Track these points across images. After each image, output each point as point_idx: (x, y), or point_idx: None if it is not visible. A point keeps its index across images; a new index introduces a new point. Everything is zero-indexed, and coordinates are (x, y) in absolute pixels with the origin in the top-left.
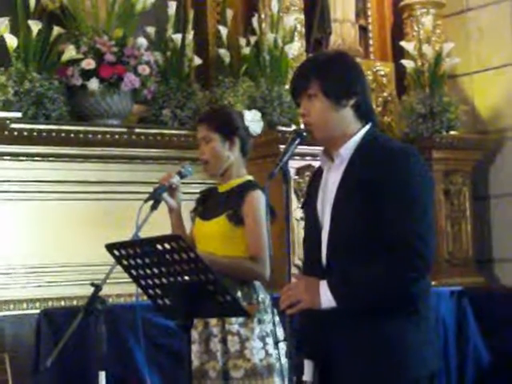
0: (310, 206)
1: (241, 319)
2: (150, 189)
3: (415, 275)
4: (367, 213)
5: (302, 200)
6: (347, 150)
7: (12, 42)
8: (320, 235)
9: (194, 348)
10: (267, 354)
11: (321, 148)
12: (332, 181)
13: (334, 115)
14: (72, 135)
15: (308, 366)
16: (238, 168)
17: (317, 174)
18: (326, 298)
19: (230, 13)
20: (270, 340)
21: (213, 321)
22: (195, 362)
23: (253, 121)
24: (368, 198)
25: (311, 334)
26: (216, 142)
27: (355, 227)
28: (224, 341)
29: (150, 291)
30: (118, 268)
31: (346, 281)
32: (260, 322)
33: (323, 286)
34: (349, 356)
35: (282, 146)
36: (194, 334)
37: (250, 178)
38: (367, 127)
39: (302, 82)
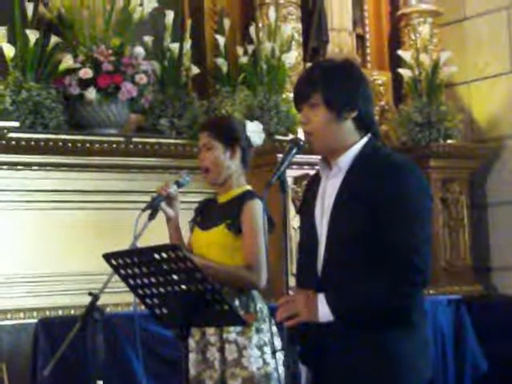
0: (307, 213)
1: (238, 328)
2: (148, 198)
3: (413, 290)
4: (364, 225)
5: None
6: (345, 160)
7: (9, 51)
8: (317, 244)
9: (191, 357)
10: (265, 362)
11: (318, 157)
12: (330, 190)
13: (335, 127)
14: (69, 144)
15: (303, 372)
16: (238, 178)
17: (315, 180)
18: (324, 312)
19: (227, 22)
20: (267, 349)
21: (210, 330)
22: (192, 371)
23: (254, 132)
24: (365, 211)
25: (307, 342)
26: (217, 151)
27: (352, 239)
28: (222, 349)
29: (148, 300)
30: (116, 277)
31: (343, 295)
32: (258, 331)
33: (321, 299)
34: (343, 367)
35: (280, 155)
36: (191, 343)
37: (249, 187)
38: (366, 139)
39: (305, 90)
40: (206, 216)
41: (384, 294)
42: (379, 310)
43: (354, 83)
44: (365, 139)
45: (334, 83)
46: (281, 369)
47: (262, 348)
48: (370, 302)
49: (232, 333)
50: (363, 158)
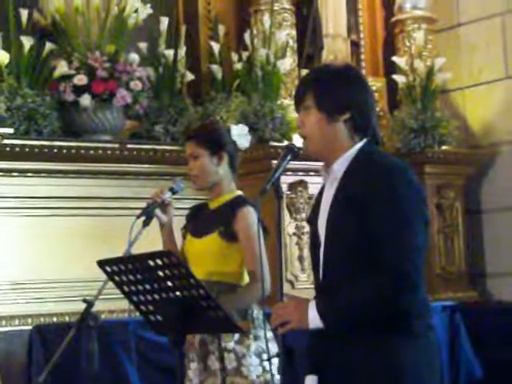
0: (313, 220)
1: (237, 336)
2: (143, 205)
3: (399, 297)
4: (357, 231)
5: (295, 216)
6: (340, 165)
7: (4, 57)
8: (319, 250)
9: (193, 366)
10: (264, 370)
11: (313, 163)
12: (327, 196)
13: (327, 129)
14: (64, 151)
15: (312, 381)
16: (227, 183)
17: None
18: (314, 319)
19: (222, 28)
20: (266, 356)
21: (209, 338)
22: (195, 381)
23: (240, 135)
24: (358, 217)
25: (314, 350)
26: (204, 158)
27: (346, 245)
28: (221, 358)
29: (142, 307)
30: (111, 284)
31: (332, 303)
32: (256, 338)
33: (312, 306)
34: (343, 377)
35: (274, 162)
36: (193, 353)
37: (240, 193)
38: (361, 143)
39: (299, 93)
40: (198, 222)
41: (370, 301)
42: (367, 318)
43: (346, 85)
44: (360, 144)
45: (324, 85)
46: (276, 375)
47: (260, 355)
48: (356, 309)
49: (230, 341)
50: (357, 163)
